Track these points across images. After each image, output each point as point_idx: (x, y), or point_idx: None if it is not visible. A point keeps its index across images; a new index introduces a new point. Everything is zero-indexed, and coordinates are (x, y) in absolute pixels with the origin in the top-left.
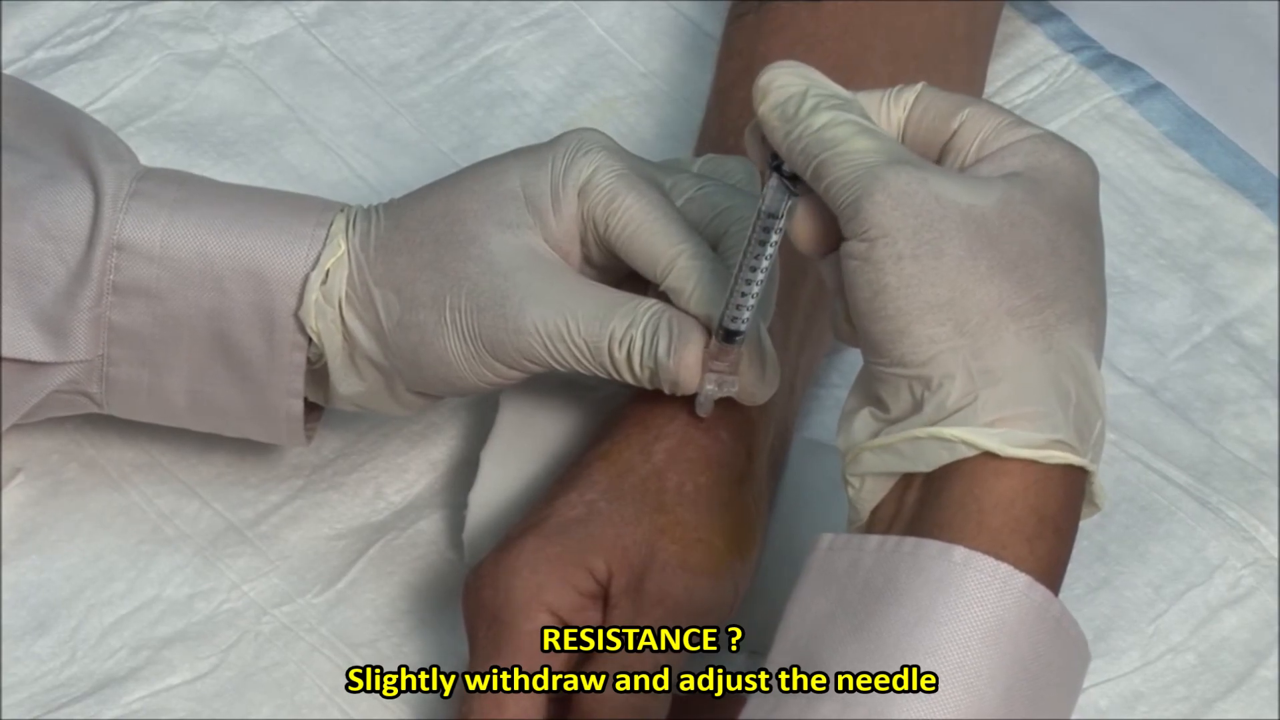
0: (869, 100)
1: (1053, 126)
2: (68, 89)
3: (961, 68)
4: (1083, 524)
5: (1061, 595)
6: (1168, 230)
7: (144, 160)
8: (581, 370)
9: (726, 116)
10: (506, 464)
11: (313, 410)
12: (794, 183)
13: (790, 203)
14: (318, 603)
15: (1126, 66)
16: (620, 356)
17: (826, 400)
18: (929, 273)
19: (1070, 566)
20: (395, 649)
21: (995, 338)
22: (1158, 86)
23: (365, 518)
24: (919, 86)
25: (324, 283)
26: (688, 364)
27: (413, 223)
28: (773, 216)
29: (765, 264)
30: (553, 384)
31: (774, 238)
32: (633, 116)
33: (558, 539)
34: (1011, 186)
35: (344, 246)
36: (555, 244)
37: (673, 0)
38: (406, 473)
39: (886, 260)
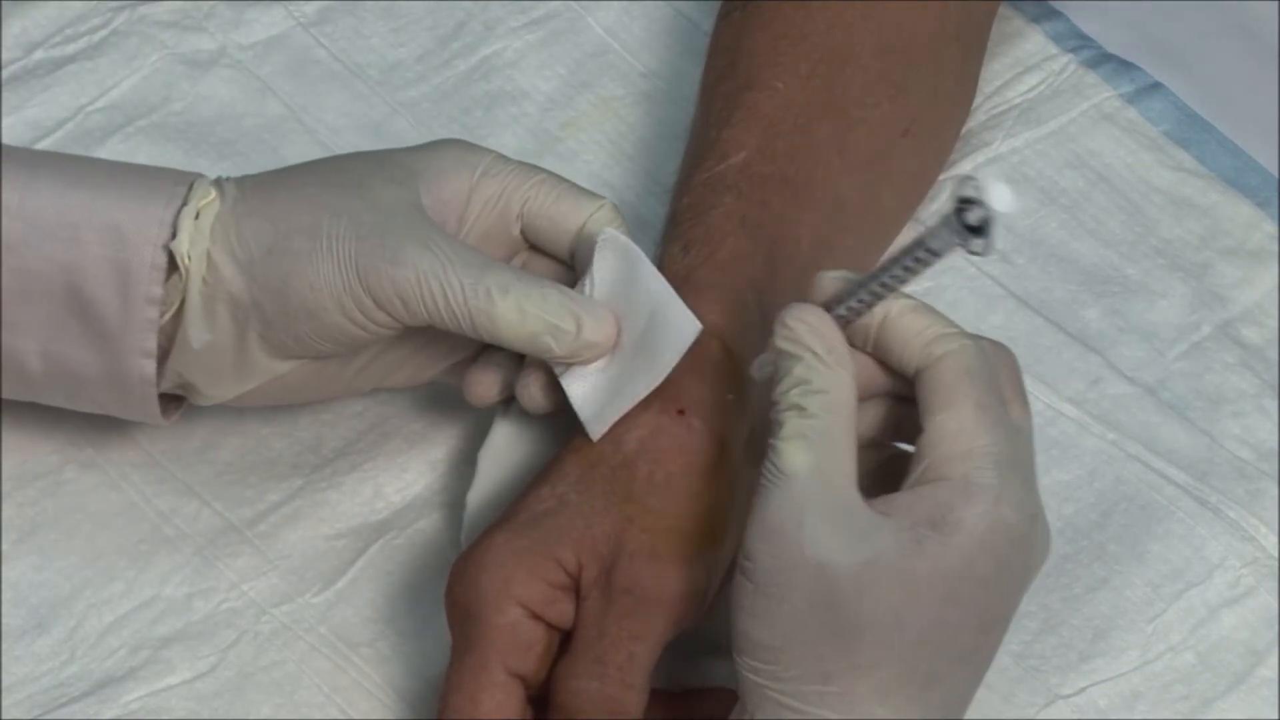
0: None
1: (1051, 126)
2: (67, 88)
3: (953, 65)
4: (1082, 524)
5: (1061, 594)
6: (1167, 229)
7: (143, 160)
8: (449, 320)
9: (711, 112)
10: (503, 465)
11: (176, 400)
12: (967, 238)
13: (954, 250)
14: (317, 602)
15: (1125, 66)
16: (505, 305)
17: None
18: (769, 614)
19: (1070, 566)
20: (395, 649)
21: (801, 694)
22: (1157, 86)
23: (364, 517)
24: (929, 363)
25: (196, 217)
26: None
27: (296, 171)
28: (932, 253)
29: (900, 286)
30: None
31: (923, 270)
32: (632, 116)
33: (526, 532)
34: (890, 544)
35: (214, 193)
36: (438, 216)
37: (672, 0)
38: (406, 472)
39: (746, 583)
